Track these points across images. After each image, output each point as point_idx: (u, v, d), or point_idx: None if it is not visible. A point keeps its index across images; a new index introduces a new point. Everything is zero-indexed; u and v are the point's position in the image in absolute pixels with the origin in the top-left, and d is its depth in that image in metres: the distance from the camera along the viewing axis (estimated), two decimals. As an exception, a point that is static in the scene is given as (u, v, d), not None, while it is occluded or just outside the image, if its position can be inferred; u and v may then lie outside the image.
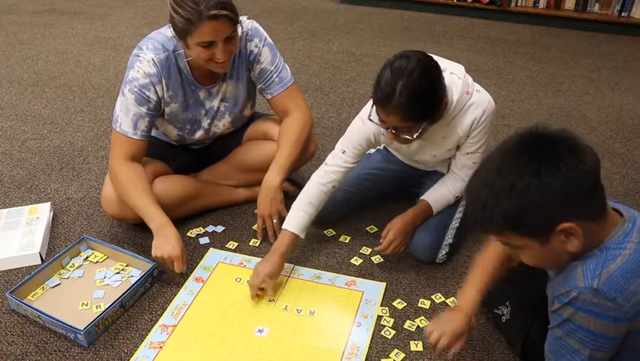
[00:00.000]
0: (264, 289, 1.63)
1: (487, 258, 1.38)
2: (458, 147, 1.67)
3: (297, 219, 1.68)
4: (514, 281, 1.47)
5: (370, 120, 1.52)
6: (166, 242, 1.64)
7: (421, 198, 1.76)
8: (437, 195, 1.74)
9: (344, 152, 1.69)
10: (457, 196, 1.74)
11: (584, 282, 1.01)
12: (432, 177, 1.85)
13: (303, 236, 1.70)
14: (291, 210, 1.71)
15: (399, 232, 1.69)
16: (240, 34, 1.68)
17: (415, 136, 1.48)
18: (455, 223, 1.76)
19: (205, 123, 1.88)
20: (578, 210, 0.98)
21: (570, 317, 1.03)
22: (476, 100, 1.56)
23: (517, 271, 1.53)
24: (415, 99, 1.39)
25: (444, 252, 1.75)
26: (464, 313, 1.31)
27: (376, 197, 1.98)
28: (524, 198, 0.96)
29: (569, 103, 2.92)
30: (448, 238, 1.74)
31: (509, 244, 1.07)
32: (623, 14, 3.98)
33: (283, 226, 1.69)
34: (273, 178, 1.80)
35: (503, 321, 1.45)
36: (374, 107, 1.47)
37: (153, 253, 1.64)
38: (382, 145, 1.92)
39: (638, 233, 1.04)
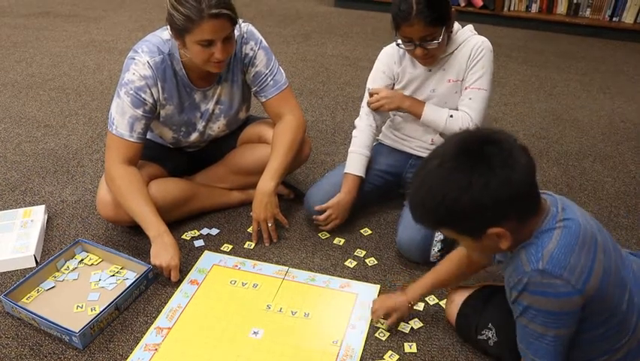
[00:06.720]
0: (331, 221, 1.87)
1: (444, 263, 1.52)
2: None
3: (358, 162, 1.88)
4: (489, 301, 1.44)
5: (398, 45, 1.72)
6: (164, 251, 1.66)
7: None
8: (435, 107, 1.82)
9: (369, 89, 1.90)
10: (451, 115, 1.78)
11: (530, 266, 1.07)
12: None
13: (364, 176, 1.89)
14: (349, 155, 1.89)
15: None
16: (236, 35, 1.69)
17: (440, 39, 1.65)
18: None
19: (200, 126, 1.89)
20: (508, 216, 1.05)
21: (529, 304, 1.09)
22: (477, 38, 1.79)
23: (491, 288, 1.51)
24: (431, 3, 1.61)
25: (436, 249, 1.75)
26: (405, 296, 1.52)
27: (370, 200, 2.00)
28: (454, 208, 1.03)
29: (560, 107, 2.95)
30: (438, 234, 1.75)
31: (447, 234, 1.14)
32: (614, 19, 4.02)
33: (345, 171, 1.88)
34: (267, 183, 1.81)
35: (492, 345, 1.42)
36: (398, 31, 1.67)
37: (152, 261, 1.66)
38: (376, 141, 2.01)
39: (562, 212, 1.11)
